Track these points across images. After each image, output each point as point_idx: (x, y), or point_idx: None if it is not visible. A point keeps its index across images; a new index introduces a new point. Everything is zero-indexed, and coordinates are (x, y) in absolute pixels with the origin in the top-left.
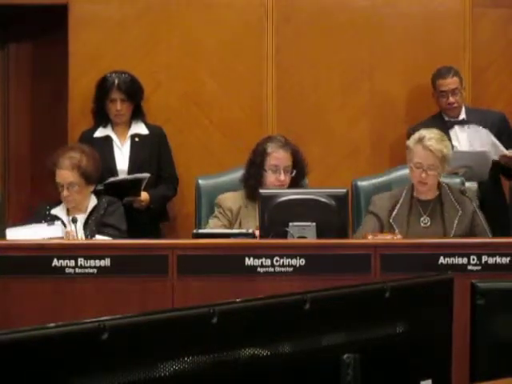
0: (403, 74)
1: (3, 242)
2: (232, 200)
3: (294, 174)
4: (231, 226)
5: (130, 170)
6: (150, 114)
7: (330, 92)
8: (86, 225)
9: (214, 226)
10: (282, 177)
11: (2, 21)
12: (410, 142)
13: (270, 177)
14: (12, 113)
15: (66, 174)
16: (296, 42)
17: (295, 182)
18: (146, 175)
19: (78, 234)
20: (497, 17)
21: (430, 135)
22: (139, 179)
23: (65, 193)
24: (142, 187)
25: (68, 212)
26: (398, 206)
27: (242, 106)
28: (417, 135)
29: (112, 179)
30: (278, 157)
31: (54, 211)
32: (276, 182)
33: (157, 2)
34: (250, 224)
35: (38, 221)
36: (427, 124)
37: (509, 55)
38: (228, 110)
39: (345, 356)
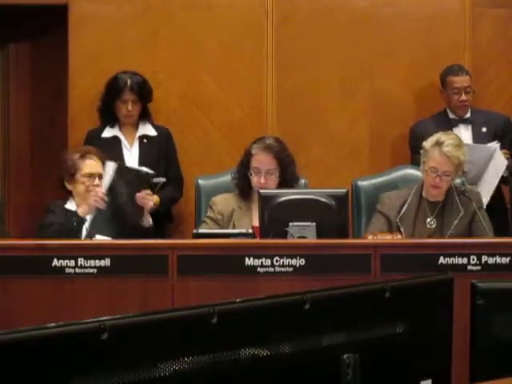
0: (403, 74)
1: (3, 242)
2: (224, 203)
3: (278, 177)
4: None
5: None
6: None
7: (329, 92)
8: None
9: None
10: (262, 180)
11: (2, 21)
12: (427, 144)
13: (253, 178)
14: (12, 113)
15: (99, 165)
16: (296, 41)
17: (285, 186)
18: (163, 179)
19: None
20: (497, 17)
21: (449, 141)
22: (155, 182)
23: (96, 181)
24: (156, 190)
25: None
26: (406, 205)
27: (242, 106)
28: (434, 138)
29: (129, 166)
30: (259, 159)
31: (69, 206)
32: (258, 185)
33: (157, 1)
34: (244, 225)
35: (56, 217)
36: (431, 121)
37: (509, 55)
38: (228, 110)
39: (345, 356)
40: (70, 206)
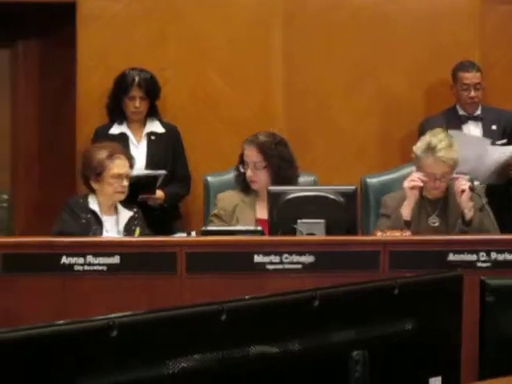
0: (411, 71)
1: (12, 239)
2: (228, 199)
3: (269, 171)
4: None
5: (147, 169)
6: None
7: (337, 89)
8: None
9: None
10: (249, 172)
11: (11, 18)
12: (418, 151)
13: (246, 172)
14: (21, 110)
15: (126, 165)
16: (303, 39)
17: (282, 179)
18: (164, 172)
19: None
20: (505, 13)
21: (440, 144)
22: (155, 176)
23: (125, 183)
24: (158, 184)
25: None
26: None
27: (250, 103)
28: (424, 144)
29: (137, 175)
30: (245, 153)
31: (91, 205)
32: (248, 178)
33: None
34: (247, 218)
35: (76, 215)
36: (441, 117)
37: None
38: (236, 107)
39: (354, 353)
40: (92, 205)
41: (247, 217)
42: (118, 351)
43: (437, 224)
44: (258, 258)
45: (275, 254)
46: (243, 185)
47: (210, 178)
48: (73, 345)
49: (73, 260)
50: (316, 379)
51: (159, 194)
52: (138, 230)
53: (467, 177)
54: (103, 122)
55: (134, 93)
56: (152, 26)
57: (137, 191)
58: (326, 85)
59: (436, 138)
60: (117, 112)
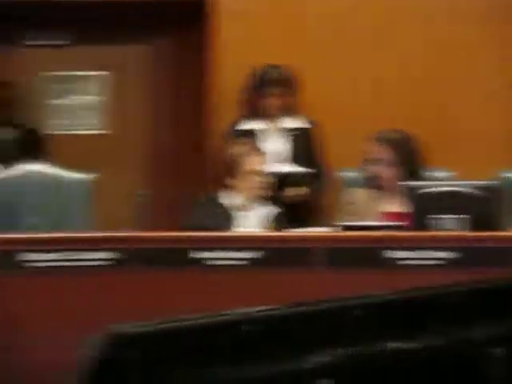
0: None
1: (150, 234)
2: (356, 195)
3: (396, 167)
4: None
5: (287, 165)
6: None
7: (461, 84)
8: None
9: None
10: (378, 169)
11: (146, 16)
12: None
13: (374, 169)
14: (160, 108)
15: (263, 162)
16: (427, 36)
17: (410, 174)
18: (310, 170)
19: None
20: None
21: None
22: (302, 173)
23: (261, 178)
24: (303, 181)
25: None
26: None
27: (385, 101)
28: None
29: (279, 171)
30: (374, 150)
31: (227, 200)
32: (377, 174)
33: None
34: (374, 213)
35: (210, 210)
36: None
37: None
38: (369, 106)
39: (493, 350)
40: (226, 200)
41: (373, 212)
42: (251, 345)
43: None
44: (394, 254)
45: (411, 249)
46: (371, 181)
47: (343, 174)
48: (205, 339)
49: (210, 255)
50: (454, 376)
51: (302, 190)
52: (275, 225)
53: None
54: (237, 118)
55: (272, 90)
56: (289, 23)
57: (282, 187)
58: (452, 80)
59: None
60: (253, 108)
